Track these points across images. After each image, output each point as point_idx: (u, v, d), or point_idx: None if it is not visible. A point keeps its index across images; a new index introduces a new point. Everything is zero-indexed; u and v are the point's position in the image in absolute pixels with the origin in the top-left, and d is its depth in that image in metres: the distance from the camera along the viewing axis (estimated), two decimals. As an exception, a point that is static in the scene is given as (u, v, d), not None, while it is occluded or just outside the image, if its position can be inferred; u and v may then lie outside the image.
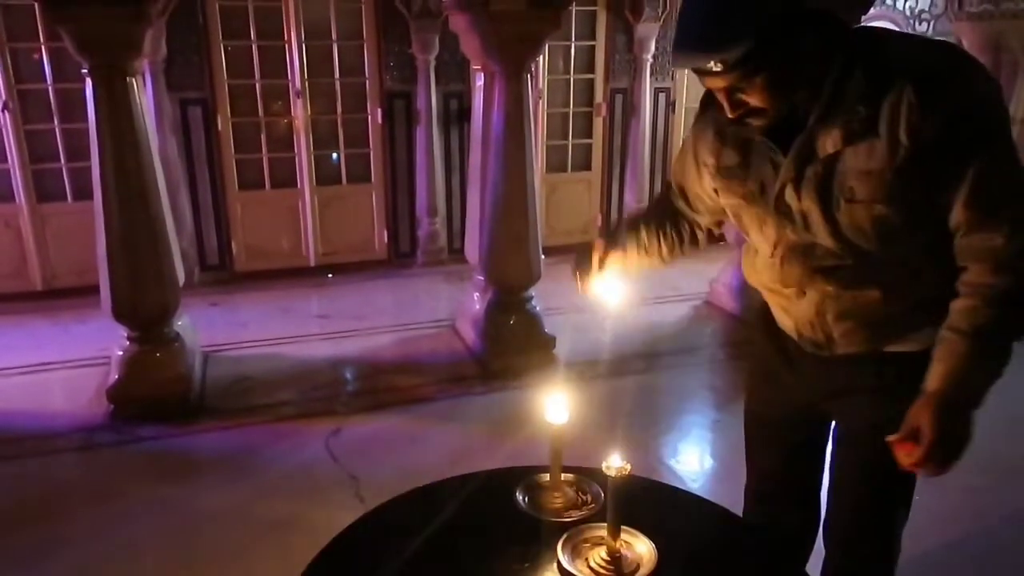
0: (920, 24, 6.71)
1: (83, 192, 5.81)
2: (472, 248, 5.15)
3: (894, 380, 1.67)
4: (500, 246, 4.77)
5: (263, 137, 6.66)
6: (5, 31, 5.84)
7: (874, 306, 1.63)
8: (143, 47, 3.97)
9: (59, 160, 6.17)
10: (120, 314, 4.24)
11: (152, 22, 3.97)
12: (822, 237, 1.60)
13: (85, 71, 3.90)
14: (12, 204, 6.17)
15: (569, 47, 7.23)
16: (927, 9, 6.64)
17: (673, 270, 7.26)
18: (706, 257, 7.16)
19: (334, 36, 6.63)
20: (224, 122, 6.50)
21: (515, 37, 4.45)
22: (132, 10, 3.73)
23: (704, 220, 2.01)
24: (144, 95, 4.29)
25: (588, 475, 1.86)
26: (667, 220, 2.04)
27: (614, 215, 7.88)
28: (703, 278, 6.41)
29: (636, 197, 7.75)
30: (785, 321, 1.86)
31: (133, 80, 3.98)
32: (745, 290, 5.81)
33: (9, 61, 5.90)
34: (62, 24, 3.75)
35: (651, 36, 7.35)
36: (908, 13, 6.81)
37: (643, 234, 2.03)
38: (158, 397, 4.29)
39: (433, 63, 6.78)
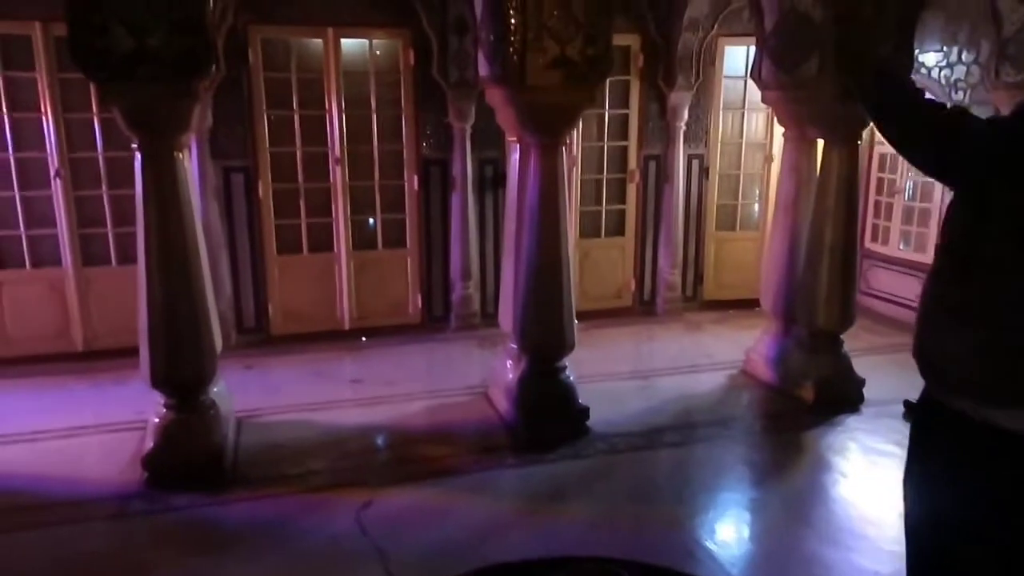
0: (956, 93, 6.69)
1: (127, 256, 5.95)
2: (506, 316, 5.15)
3: None
4: (534, 316, 4.77)
5: (302, 203, 6.80)
6: (62, 103, 6.08)
7: None
8: (191, 123, 4.12)
9: (106, 225, 6.35)
10: (158, 382, 4.30)
11: (200, 99, 4.12)
12: None
13: (135, 146, 4.04)
14: (58, 268, 6.34)
15: (603, 115, 7.33)
16: (963, 78, 6.63)
17: (708, 336, 7.21)
18: (740, 324, 7.17)
19: (373, 106, 6.80)
20: (265, 188, 6.66)
21: (550, 112, 4.53)
22: (182, 88, 3.88)
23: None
24: (189, 164, 4.43)
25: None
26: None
27: (647, 280, 7.86)
28: (739, 346, 6.34)
29: (670, 262, 7.72)
30: None
31: (180, 155, 4.11)
32: (783, 360, 5.72)
33: (63, 131, 6.13)
34: (114, 102, 3.91)
35: (684, 104, 7.42)
36: (944, 82, 6.80)
37: None
38: (192, 465, 4.31)
39: (469, 131, 6.91)
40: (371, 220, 7.04)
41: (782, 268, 5.64)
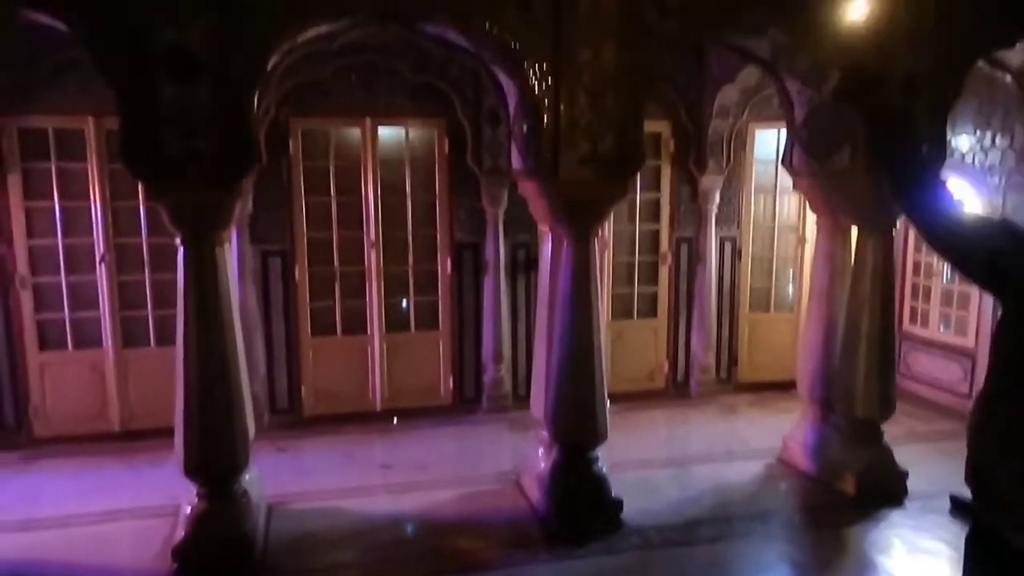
0: (992, 177, 6.66)
1: (166, 337, 6.07)
2: (538, 404, 5.13)
3: None
4: (565, 407, 4.74)
5: (337, 286, 6.91)
6: (110, 191, 6.31)
7: None
8: (232, 218, 4.25)
9: (146, 308, 6.50)
10: (191, 471, 4.32)
11: (242, 195, 4.26)
12: None
13: (178, 240, 4.16)
14: (99, 349, 6.48)
15: (635, 199, 7.40)
16: (998, 164, 6.61)
17: (743, 420, 7.06)
18: (776, 407, 7.04)
19: (408, 191, 6.96)
20: (301, 272, 6.79)
21: (582, 205, 4.59)
22: (226, 188, 4.02)
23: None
24: (230, 253, 4.54)
25: None
26: None
27: (681, 362, 7.78)
28: (775, 431, 6.21)
29: (704, 344, 7.66)
30: None
31: (221, 248, 4.23)
32: (822, 448, 5.58)
33: (110, 218, 6.35)
34: (161, 200, 4.06)
35: (715, 188, 7.48)
36: (979, 166, 6.78)
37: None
38: (223, 556, 4.29)
39: (501, 216, 7.02)
40: (404, 302, 7.12)
41: (818, 355, 5.55)
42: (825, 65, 4.94)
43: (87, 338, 6.49)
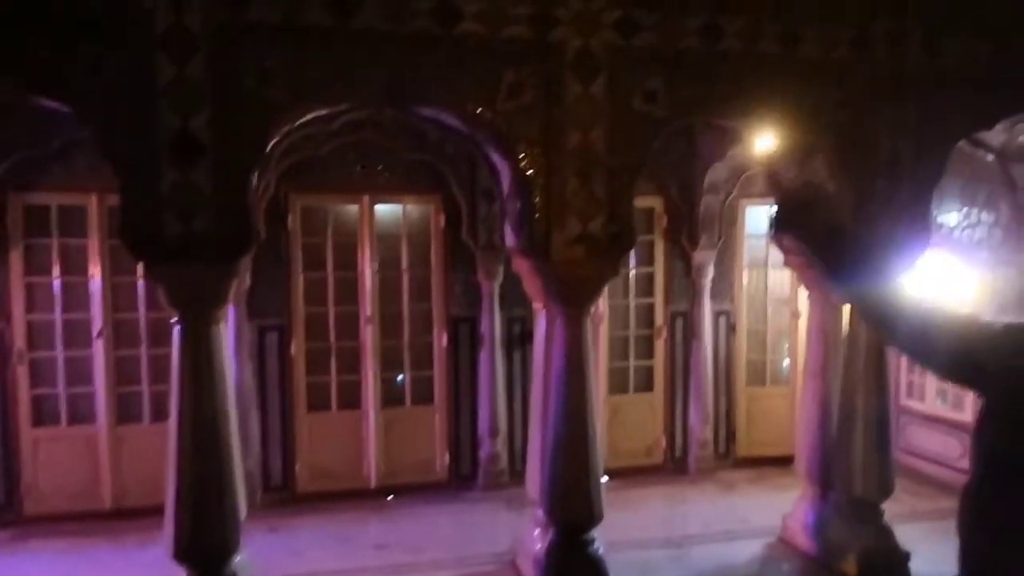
0: (981, 252, 6.75)
1: (161, 413, 6.03)
2: (533, 484, 5.07)
3: None
4: (560, 488, 4.70)
5: (333, 360, 6.92)
6: (110, 267, 6.39)
7: None
8: (230, 298, 4.31)
9: (142, 383, 6.50)
10: (181, 554, 4.25)
11: (240, 274, 4.32)
12: None
13: (175, 320, 4.20)
14: (92, 425, 6.45)
15: (629, 273, 7.48)
16: (985, 238, 6.71)
17: (742, 498, 6.95)
18: (775, 483, 6.95)
19: (404, 266, 7.05)
20: (298, 347, 6.82)
21: (575, 282, 4.65)
22: (224, 268, 4.08)
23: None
24: (226, 330, 4.58)
25: None
26: None
27: (679, 437, 7.73)
28: (775, 510, 6.11)
29: (701, 418, 7.62)
30: None
31: (218, 326, 4.26)
32: (822, 528, 5.50)
33: (109, 293, 6.41)
34: (159, 280, 4.12)
35: (708, 262, 7.56)
36: (967, 241, 6.88)
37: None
38: (208, 646, 4.18)
39: (497, 289, 7.08)
40: (400, 377, 7.12)
41: (815, 433, 5.53)
42: (809, 147, 5.08)
43: (81, 414, 6.46)
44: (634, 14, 4.54)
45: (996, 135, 5.96)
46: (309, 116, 4.50)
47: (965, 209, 6.91)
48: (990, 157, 6.30)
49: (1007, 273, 6.50)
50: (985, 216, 6.74)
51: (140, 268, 6.24)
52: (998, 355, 1.96)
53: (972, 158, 6.43)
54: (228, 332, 5.78)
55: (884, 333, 2.19)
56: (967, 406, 7.03)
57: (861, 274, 2.27)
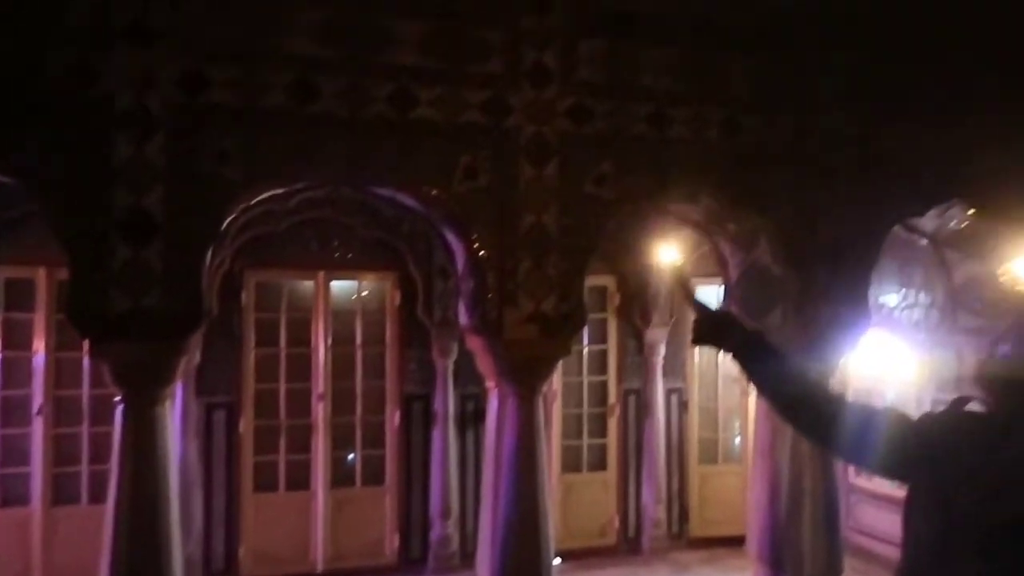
0: (920, 333, 6.99)
1: (100, 495, 5.80)
2: (484, 565, 4.95)
3: None
4: (511, 571, 4.57)
5: (282, 439, 6.79)
6: (55, 342, 6.25)
7: None
8: (177, 376, 4.22)
9: (81, 463, 6.27)
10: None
11: (190, 351, 4.26)
12: None
13: (119, 398, 4.10)
14: (25, 508, 6.17)
15: (582, 351, 7.55)
16: (923, 320, 6.96)
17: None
18: (729, 564, 6.91)
19: (358, 343, 7.02)
20: (247, 425, 6.68)
21: (527, 361, 4.67)
22: (172, 346, 4.02)
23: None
24: (172, 409, 4.47)
25: None
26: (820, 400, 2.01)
27: (632, 516, 7.68)
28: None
29: (654, 497, 7.60)
30: None
31: (163, 406, 4.16)
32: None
33: (53, 368, 6.24)
34: (105, 358, 4.02)
35: (661, 340, 7.69)
36: (907, 322, 7.13)
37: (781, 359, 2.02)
38: None
39: (451, 366, 7.08)
40: (350, 456, 7.00)
41: (765, 513, 5.53)
42: (754, 231, 5.26)
43: (14, 495, 6.18)
44: (586, 102, 4.72)
45: (929, 221, 6.25)
46: (266, 194, 4.55)
47: (904, 291, 7.18)
48: (924, 241, 6.60)
49: (944, 354, 6.73)
50: (922, 298, 7.01)
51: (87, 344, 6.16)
52: (923, 446, 1.98)
53: (909, 242, 6.73)
54: (175, 409, 5.65)
55: (817, 431, 2.15)
56: (913, 484, 7.14)
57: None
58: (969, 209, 5.52)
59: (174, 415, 5.55)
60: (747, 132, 5.02)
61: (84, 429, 6.29)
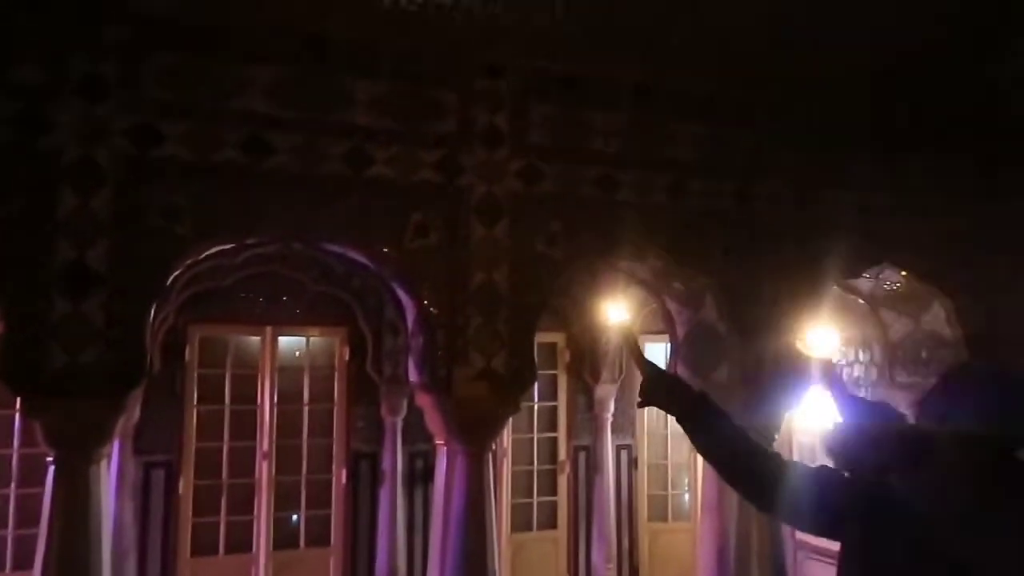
0: (859, 390, 7.18)
1: (26, 561, 5.51)
2: (431, 632, 4.85)
3: None
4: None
5: (223, 499, 6.57)
6: (-17, 399, 5.98)
7: None
8: (115, 434, 4.09)
9: (7, 527, 5.96)
10: None
11: (128, 409, 4.13)
12: None
13: (51, 459, 3.94)
14: (-56, 575, 5.82)
15: (532, 407, 7.54)
16: (863, 376, 7.16)
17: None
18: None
19: (306, 399, 6.90)
20: (186, 485, 6.46)
21: (477, 419, 4.66)
22: (111, 404, 3.90)
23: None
24: (107, 470, 4.30)
25: None
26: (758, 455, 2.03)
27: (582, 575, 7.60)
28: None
29: (604, 556, 7.53)
30: None
31: (98, 467, 4.01)
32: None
33: (-22, 427, 5.97)
34: (38, 417, 3.88)
35: (610, 397, 7.73)
36: (847, 379, 7.32)
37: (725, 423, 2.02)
38: None
39: (400, 424, 6.99)
40: (295, 516, 6.80)
41: (714, 570, 5.54)
42: (700, 290, 5.40)
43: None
44: (536, 164, 4.84)
45: (865, 282, 6.49)
46: (215, 249, 4.50)
47: (844, 348, 7.39)
48: (860, 301, 6.83)
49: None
50: (861, 355, 7.23)
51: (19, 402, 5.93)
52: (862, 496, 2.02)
53: (847, 301, 6.96)
54: (110, 469, 5.44)
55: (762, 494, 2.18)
56: (858, 540, 7.24)
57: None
58: (901, 271, 5.76)
59: (109, 475, 5.34)
60: (692, 195, 5.20)
61: (11, 490, 5.99)
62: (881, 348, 6.83)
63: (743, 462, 2.09)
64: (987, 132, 5.58)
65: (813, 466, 2.13)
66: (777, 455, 2.21)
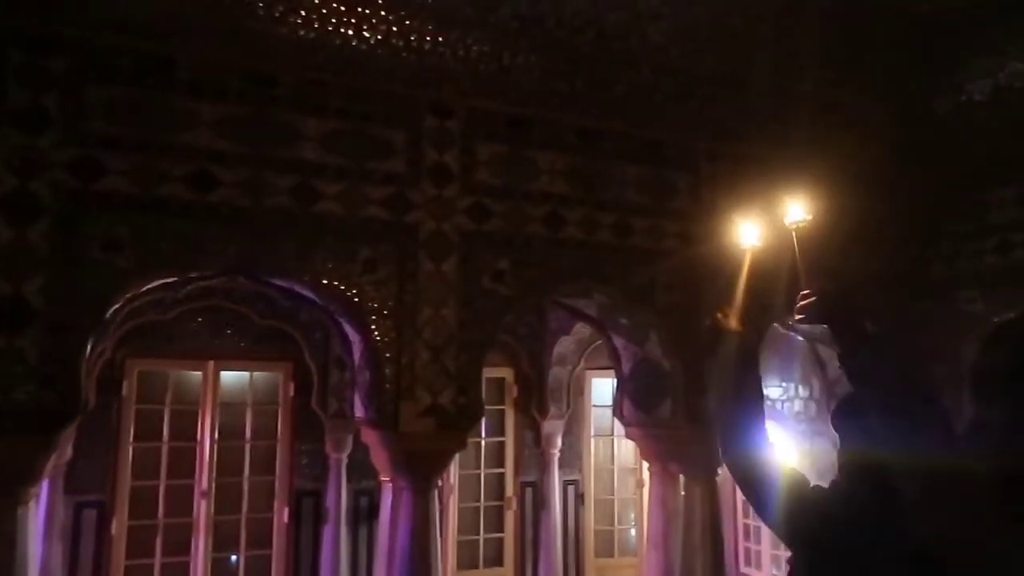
0: (800, 424, 7.36)
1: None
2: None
3: None
4: None
5: (159, 540, 6.36)
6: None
7: None
8: (44, 473, 3.94)
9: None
10: None
11: (60, 446, 4.00)
12: None
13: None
14: None
15: (480, 443, 7.52)
16: (803, 411, 7.35)
17: None
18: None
19: (248, 436, 6.75)
20: (120, 525, 6.24)
21: (424, 455, 4.62)
22: (41, 442, 3.76)
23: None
24: (35, 510, 4.14)
25: None
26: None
27: (529, 615, 7.54)
28: None
29: (551, 593, 7.50)
30: None
31: (26, 508, 3.86)
32: None
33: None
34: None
35: (557, 432, 7.76)
36: (788, 413, 7.50)
37: None
38: None
39: (345, 460, 6.89)
40: (233, 557, 6.61)
41: (659, 606, 5.57)
42: (644, 326, 5.50)
43: None
44: (484, 201, 4.90)
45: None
46: (157, 282, 4.42)
47: (784, 384, 7.58)
48: (800, 338, 7.04)
49: (822, 444, 7.10)
50: (801, 391, 7.42)
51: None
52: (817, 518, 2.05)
53: (788, 339, 7.16)
54: (38, 510, 5.23)
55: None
56: (799, 573, 7.36)
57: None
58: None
59: (37, 516, 5.13)
60: (636, 234, 5.32)
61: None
62: (820, 384, 7.04)
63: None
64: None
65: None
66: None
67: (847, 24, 4.96)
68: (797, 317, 2.13)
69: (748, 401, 2.32)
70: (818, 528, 1.98)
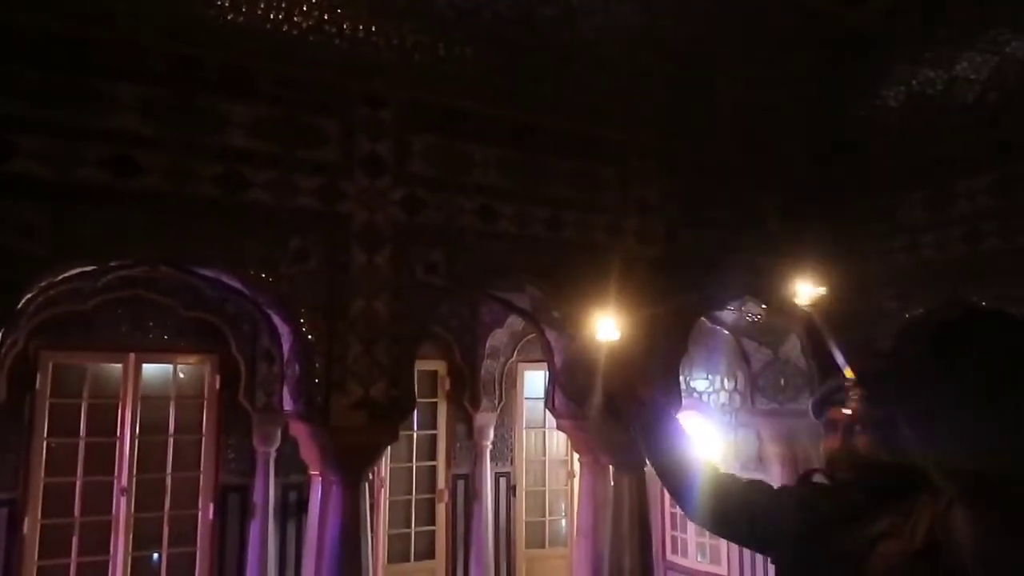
0: (725, 415, 7.57)
1: None
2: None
3: None
4: None
5: (75, 540, 6.12)
6: None
7: None
8: (-50, 471, 3.75)
9: None
10: None
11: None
12: None
13: None
14: None
15: (412, 436, 7.48)
16: (728, 403, 7.56)
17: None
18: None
19: (171, 430, 6.56)
20: (32, 524, 5.98)
21: (354, 448, 4.58)
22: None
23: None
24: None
25: None
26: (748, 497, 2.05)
27: (460, 606, 7.56)
28: None
29: (482, 585, 7.53)
30: None
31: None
32: None
33: None
34: None
35: (489, 424, 7.79)
36: (713, 405, 7.70)
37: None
38: None
39: (273, 455, 6.76)
40: (156, 555, 6.42)
41: (588, 595, 5.66)
42: (577, 319, 5.56)
43: None
44: (418, 193, 4.86)
45: (729, 314, 6.88)
46: (75, 271, 4.24)
47: (710, 376, 7.78)
48: (725, 331, 7.23)
49: (746, 434, 7.33)
50: (726, 383, 7.62)
51: None
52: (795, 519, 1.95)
53: (713, 332, 7.34)
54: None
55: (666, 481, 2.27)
56: (723, 560, 7.60)
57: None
58: (762, 304, 6.14)
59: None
60: (568, 227, 5.37)
61: None
62: (744, 376, 7.25)
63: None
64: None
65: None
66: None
67: (772, 27, 5.11)
68: None
69: (666, 433, 2.28)
70: (806, 528, 1.87)
